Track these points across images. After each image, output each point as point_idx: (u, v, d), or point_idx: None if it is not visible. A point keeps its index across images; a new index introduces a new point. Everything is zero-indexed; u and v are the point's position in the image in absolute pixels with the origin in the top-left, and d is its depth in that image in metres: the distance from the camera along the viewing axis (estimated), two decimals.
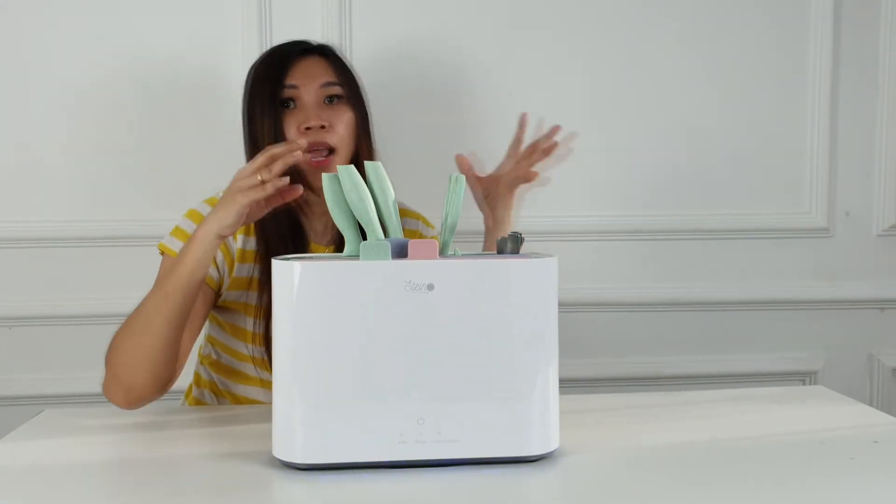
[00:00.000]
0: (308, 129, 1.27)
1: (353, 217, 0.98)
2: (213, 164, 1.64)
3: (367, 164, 1.01)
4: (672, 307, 1.82)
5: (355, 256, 0.97)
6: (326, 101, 1.31)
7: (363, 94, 1.36)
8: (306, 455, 0.93)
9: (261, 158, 1.12)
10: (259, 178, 1.10)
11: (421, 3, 1.73)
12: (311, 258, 0.97)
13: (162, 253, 1.28)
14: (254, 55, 1.69)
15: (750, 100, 1.80)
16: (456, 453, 0.95)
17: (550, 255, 0.99)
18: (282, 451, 0.95)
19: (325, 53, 1.35)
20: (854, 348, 1.87)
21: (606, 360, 1.82)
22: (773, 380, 1.84)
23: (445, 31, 1.74)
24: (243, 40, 1.69)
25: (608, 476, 0.95)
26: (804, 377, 1.86)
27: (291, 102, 1.30)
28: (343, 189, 0.97)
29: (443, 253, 1.00)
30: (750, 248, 1.83)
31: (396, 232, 1.01)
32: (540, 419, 0.97)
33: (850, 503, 0.88)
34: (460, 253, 1.01)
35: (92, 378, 1.66)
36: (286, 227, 1.31)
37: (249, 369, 1.33)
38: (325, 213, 1.32)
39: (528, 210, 1.76)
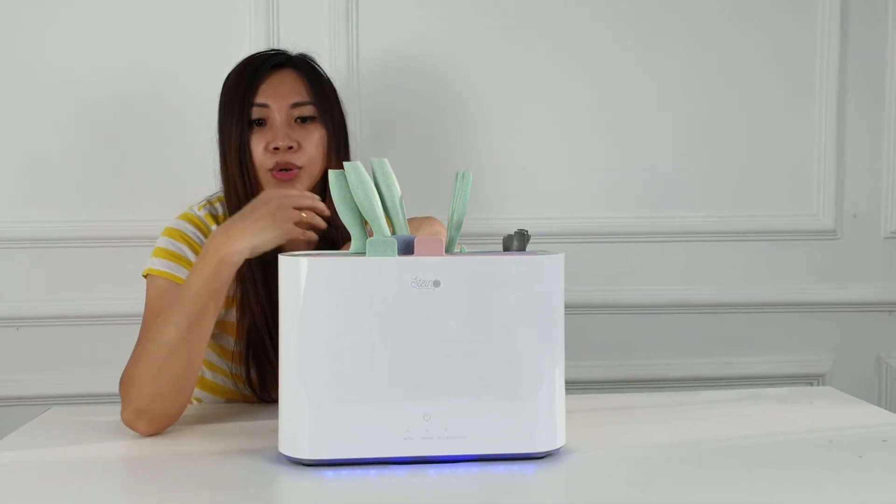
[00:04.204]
0: (276, 148, 1.25)
1: (360, 214, 0.99)
2: (217, 169, 1.63)
3: (373, 161, 1.01)
4: (679, 309, 1.82)
5: (362, 253, 0.97)
6: (297, 121, 1.28)
7: (338, 108, 1.33)
8: (313, 451, 0.93)
9: (309, 202, 1.12)
10: (303, 216, 1.10)
11: (426, 8, 1.74)
12: (318, 255, 0.97)
13: (147, 276, 1.24)
14: None
15: (757, 102, 1.80)
16: (462, 449, 0.95)
17: (557, 253, 0.98)
18: (288, 448, 0.95)
19: (298, 67, 1.31)
20: (862, 351, 1.86)
21: (612, 363, 1.82)
22: (781, 383, 1.83)
23: (450, 35, 1.74)
24: (250, 48, 1.69)
25: (614, 473, 0.95)
26: (812, 380, 1.86)
27: (261, 121, 1.27)
28: (350, 186, 0.97)
29: (449, 250, 1.00)
30: (757, 250, 1.82)
31: (403, 229, 1.01)
32: (546, 415, 0.97)
33: (859, 501, 0.87)
34: (466, 250, 1.01)
35: (99, 378, 1.67)
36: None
37: (235, 387, 1.31)
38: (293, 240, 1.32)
39: (533, 212, 1.76)
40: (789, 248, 1.83)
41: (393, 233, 1.01)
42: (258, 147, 1.26)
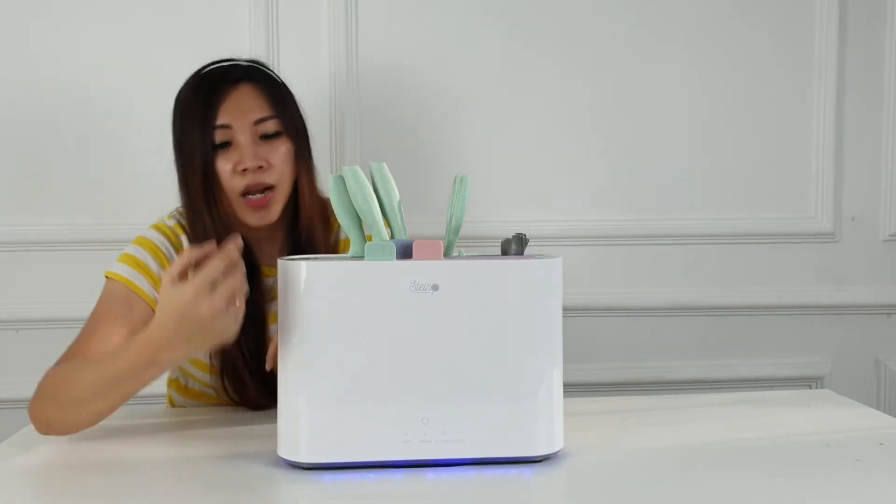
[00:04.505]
0: (245, 170, 1.21)
1: (358, 218, 0.99)
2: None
3: (372, 165, 1.02)
4: (677, 312, 1.82)
5: (360, 257, 0.97)
6: (262, 138, 1.23)
7: (298, 113, 1.29)
8: (311, 455, 0.94)
9: (202, 280, 0.92)
10: (222, 304, 0.92)
11: (425, 11, 1.74)
12: (316, 258, 0.97)
13: (107, 277, 1.22)
14: None
15: (755, 104, 1.80)
16: (460, 453, 0.95)
17: (555, 256, 0.99)
18: (287, 451, 0.95)
19: (255, 80, 1.25)
20: (860, 354, 1.86)
21: (611, 366, 1.82)
22: (779, 385, 1.83)
23: (449, 38, 1.75)
24: (251, 52, 1.70)
25: (612, 477, 0.95)
26: (810, 382, 1.86)
27: (226, 143, 1.22)
28: (348, 190, 0.98)
29: (447, 254, 1.01)
30: (755, 253, 1.82)
31: (401, 233, 1.01)
32: (544, 419, 0.97)
33: None
34: (465, 254, 1.01)
35: None
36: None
37: (215, 395, 1.30)
38: (269, 238, 1.29)
39: (531, 214, 1.77)
40: (788, 251, 1.83)
41: (391, 237, 1.01)
42: (225, 170, 1.21)
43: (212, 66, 1.27)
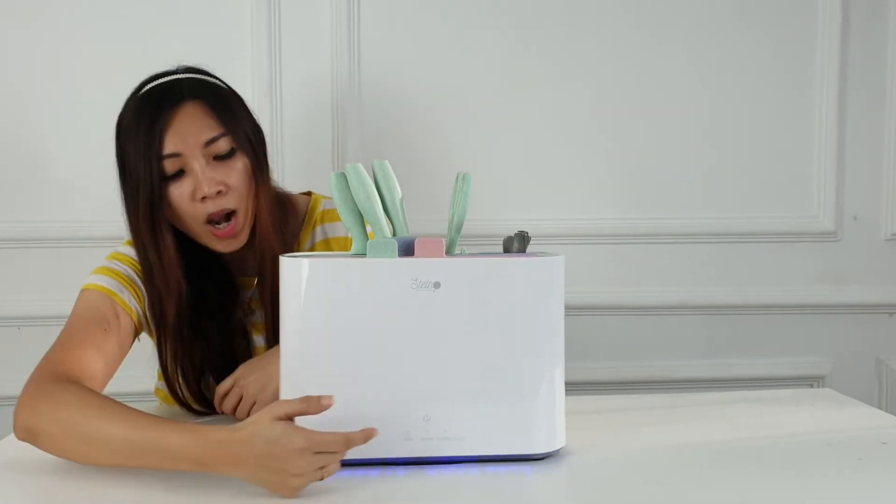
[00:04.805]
0: (204, 197, 1.12)
1: (361, 215, 0.99)
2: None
3: (374, 162, 1.02)
4: (678, 311, 1.82)
5: (362, 254, 0.97)
6: (215, 159, 1.14)
7: (247, 119, 1.19)
8: None
9: (319, 443, 0.88)
10: (315, 471, 0.88)
11: (427, 9, 1.74)
12: (319, 256, 0.97)
13: (84, 290, 1.17)
14: (264, 75, 1.70)
15: (757, 102, 1.80)
16: (462, 451, 0.95)
17: (557, 255, 0.99)
18: None
19: (198, 95, 1.15)
20: (862, 353, 1.86)
21: (612, 364, 1.82)
22: (781, 384, 1.83)
23: (451, 36, 1.74)
24: (252, 50, 1.70)
25: (614, 475, 0.95)
26: (812, 382, 1.86)
27: (179, 171, 1.13)
28: (350, 187, 0.97)
29: (449, 251, 1.01)
30: (757, 252, 1.82)
31: (403, 230, 1.01)
32: (546, 417, 0.97)
33: (858, 503, 0.87)
34: (467, 252, 1.01)
35: None
36: (213, 271, 1.22)
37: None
38: (239, 258, 1.23)
39: (533, 213, 1.76)
40: (790, 250, 1.83)
41: (393, 234, 1.01)
42: (183, 199, 1.13)
43: (150, 86, 1.17)
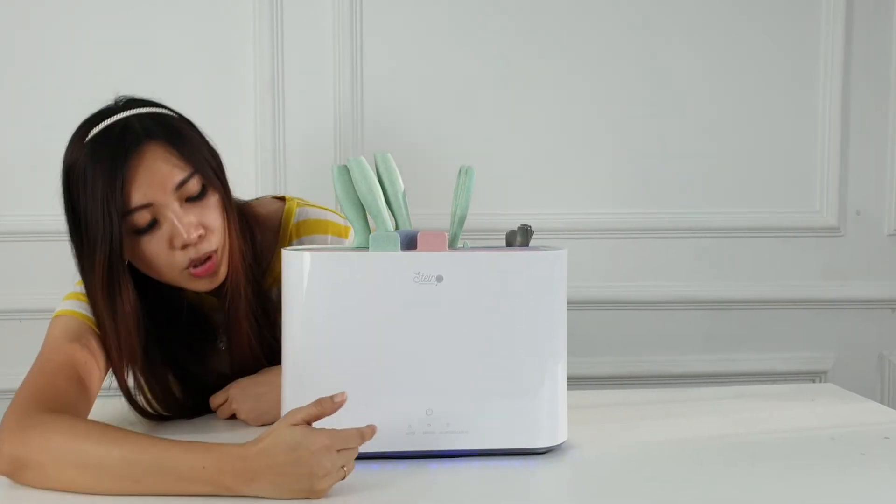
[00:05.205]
0: (185, 245, 1.05)
1: (363, 208, 0.98)
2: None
3: (376, 155, 1.01)
4: (681, 306, 1.82)
5: (365, 248, 0.97)
6: (188, 200, 1.05)
7: (210, 150, 1.11)
8: None
9: (339, 439, 0.87)
10: (338, 467, 0.87)
11: (432, 2, 1.73)
12: (321, 249, 0.97)
13: (57, 316, 1.10)
14: (266, 70, 1.70)
15: (761, 98, 1.79)
16: (464, 444, 0.95)
17: (560, 248, 0.98)
18: None
19: (157, 135, 1.04)
20: (864, 348, 1.86)
21: (615, 359, 1.82)
22: (783, 379, 1.83)
23: (455, 29, 1.74)
24: (254, 57, 1.70)
25: (615, 469, 0.95)
26: (814, 377, 1.85)
27: (152, 222, 1.04)
28: (353, 181, 0.97)
29: (452, 245, 1.00)
30: (760, 247, 1.82)
31: (406, 223, 1.01)
32: (548, 411, 0.97)
33: (861, 498, 0.87)
34: (469, 245, 1.01)
35: None
36: (178, 307, 1.16)
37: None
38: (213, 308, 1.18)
39: (536, 207, 1.76)
40: (792, 245, 1.82)
41: (396, 228, 1.01)
42: (159, 251, 1.05)
43: (97, 130, 1.05)
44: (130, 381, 1.14)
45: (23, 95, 1.69)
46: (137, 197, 1.02)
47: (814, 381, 1.85)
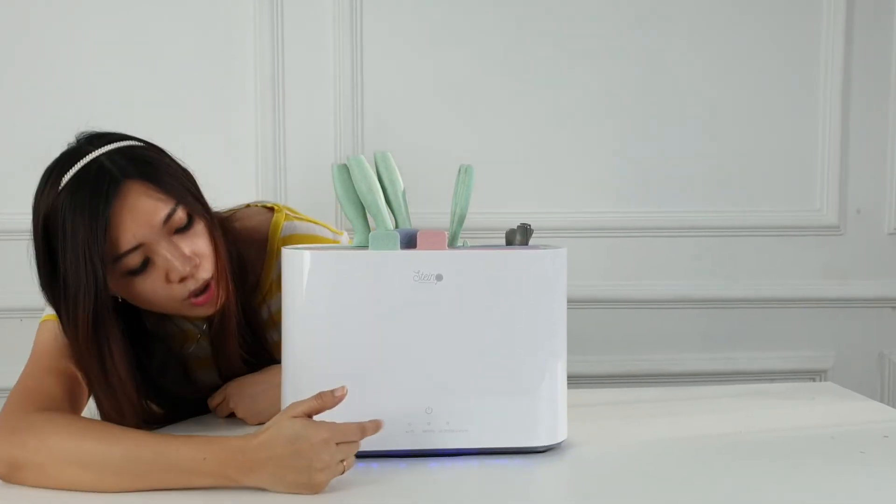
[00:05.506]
0: (183, 278, 1.03)
1: (363, 207, 0.98)
2: (222, 168, 1.63)
3: (376, 154, 1.01)
4: (681, 304, 1.82)
5: (364, 246, 0.97)
6: (176, 233, 1.03)
7: (186, 175, 1.07)
8: None
9: (339, 432, 0.87)
10: (338, 461, 0.87)
11: (432, 4, 1.73)
12: (321, 248, 0.97)
13: (44, 322, 1.09)
14: (266, 69, 1.70)
15: (761, 96, 1.79)
16: (464, 443, 0.95)
17: (559, 247, 0.99)
18: None
19: (133, 173, 1.00)
20: (864, 347, 1.86)
21: (615, 358, 1.82)
22: (783, 378, 1.83)
23: (454, 26, 1.74)
24: (254, 56, 1.70)
25: (616, 468, 0.95)
26: (814, 376, 1.85)
27: (145, 262, 1.02)
28: (353, 179, 0.97)
29: (452, 244, 1.00)
30: (760, 246, 1.82)
31: (405, 222, 1.01)
32: (548, 409, 0.97)
33: (860, 497, 0.87)
34: (469, 244, 1.01)
35: None
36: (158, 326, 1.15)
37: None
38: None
39: (535, 206, 1.76)
40: (793, 244, 1.82)
41: (396, 226, 1.01)
42: (156, 288, 1.02)
43: (69, 176, 1.01)
44: None
45: (22, 93, 1.69)
46: (126, 239, 0.99)
47: (814, 380, 1.85)
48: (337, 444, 0.86)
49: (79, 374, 1.04)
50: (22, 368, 1.06)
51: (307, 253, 0.94)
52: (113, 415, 1.04)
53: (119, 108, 1.70)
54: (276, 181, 1.72)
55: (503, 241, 1.03)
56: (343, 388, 0.90)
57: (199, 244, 1.04)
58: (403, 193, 1.01)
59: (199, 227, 1.05)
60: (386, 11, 1.72)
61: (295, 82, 1.71)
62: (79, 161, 1.02)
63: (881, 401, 1.82)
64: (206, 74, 1.70)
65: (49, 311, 1.09)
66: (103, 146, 1.03)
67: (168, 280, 1.03)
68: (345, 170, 0.98)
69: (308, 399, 0.89)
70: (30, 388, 1.00)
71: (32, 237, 1.04)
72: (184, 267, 1.02)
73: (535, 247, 0.99)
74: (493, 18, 1.74)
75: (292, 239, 1.18)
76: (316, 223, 1.23)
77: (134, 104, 1.71)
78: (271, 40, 1.69)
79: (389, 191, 1.00)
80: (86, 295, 0.98)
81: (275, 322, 1.15)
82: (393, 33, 1.73)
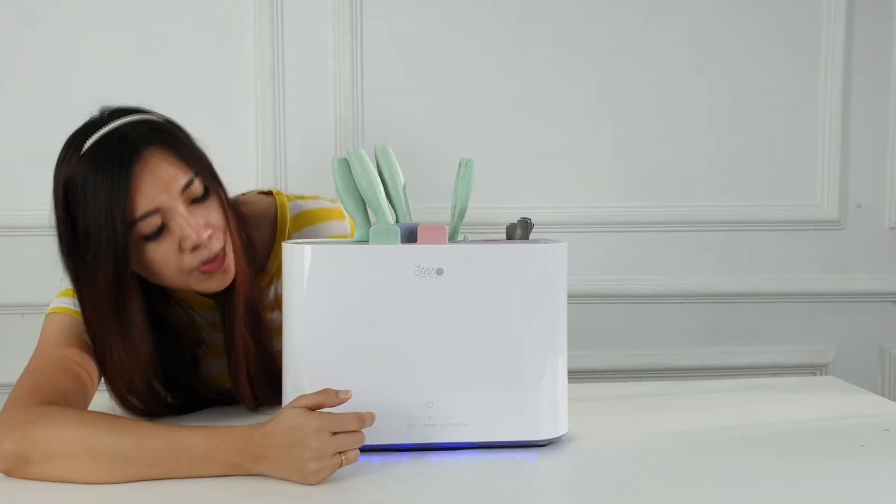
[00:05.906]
0: (196, 247, 1.03)
1: (363, 201, 0.99)
2: (223, 165, 1.62)
3: (377, 148, 1.01)
4: (681, 299, 1.82)
5: (365, 241, 0.97)
6: (193, 203, 1.04)
7: (201, 151, 1.09)
8: None
9: (330, 422, 0.88)
10: (332, 450, 0.88)
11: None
12: (321, 242, 0.97)
13: (50, 313, 1.09)
14: (266, 64, 1.69)
15: (761, 91, 1.79)
16: (465, 437, 0.95)
17: (560, 241, 0.99)
18: None
19: (154, 141, 1.02)
20: (865, 341, 1.86)
21: (615, 352, 1.82)
22: (784, 372, 1.83)
23: (455, 22, 1.74)
24: (254, 51, 1.70)
25: (616, 461, 0.95)
26: (815, 370, 1.86)
27: (160, 228, 1.02)
28: (353, 174, 0.97)
29: (452, 238, 1.00)
30: (761, 240, 1.82)
31: (406, 217, 1.01)
32: (548, 404, 0.97)
33: (860, 490, 0.88)
34: (469, 238, 1.01)
35: None
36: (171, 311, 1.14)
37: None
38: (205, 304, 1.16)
39: (536, 201, 1.76)
40: (793, 239, 1.82)
41: (396, 221, 1.01)
42: (168, 256, 1.02)
43: (91, 141, 1.02)
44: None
45: (24, 91, 1.70)
46: (145, 203, 1.00)
47: (815, 374, 1.85)
48: (333, 433, 0.87)
49: (88, 360, 1.04)
50: (23, 364, 1.06)
51: (307, 247, 0.94)
52: (122, 390, 1.06)
53: (118, 100, 1.70)
54: (277, 177, 1.72)
55: (504, 236, 1.03)
56: (348, 392, 0.91)
57: (213, 216, 1.05)
58: (404, 188, 1.01)
59: (214, 201, 1.06)
60: (386, 7, 1.72)
61: (295, 78, 1.71)
62: (100, 129, 1.03)
63: (882, 395, 1.82)
64: (207, 74, 1.70)
65: (56, 304, 1.10)
66: (124, 117, 1.05)
67: (181, 249, 1.03)
68: (345, 164, 0.98)
69: (313, 393, 0.90)
70: (36, 382, 1.00)
71: (53, 206, 1.04)
72: (199, 235, 1.02)
73: (536, 241, 0.99)
74: (494, 14, 1.74)
75: (305, 216, 1.20)
76: (315, 198, 1.24)
77: (135, 103, 1.70)
78: (271, 34, 1.69)
79: (390, 185, 1.00)
80: (106, 256, 0.99)
81: (279, 303, 1.14)
82: (393, 29, 1.73)
